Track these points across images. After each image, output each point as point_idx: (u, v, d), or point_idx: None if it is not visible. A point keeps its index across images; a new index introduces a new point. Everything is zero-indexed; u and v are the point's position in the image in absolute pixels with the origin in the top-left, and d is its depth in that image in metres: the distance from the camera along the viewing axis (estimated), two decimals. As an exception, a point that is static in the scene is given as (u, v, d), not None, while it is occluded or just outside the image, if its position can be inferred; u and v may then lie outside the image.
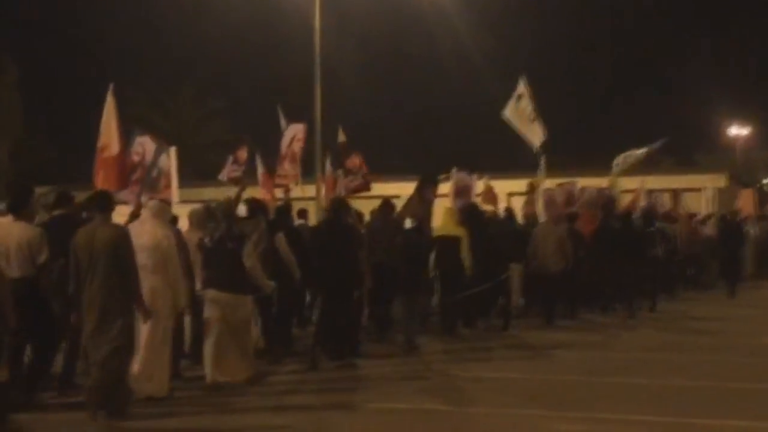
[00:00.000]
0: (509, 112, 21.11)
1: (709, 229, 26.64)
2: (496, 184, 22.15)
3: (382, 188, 21.09)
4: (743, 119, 67.24)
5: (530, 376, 12.62)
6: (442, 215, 16.64)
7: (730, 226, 25.78)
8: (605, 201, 21.59)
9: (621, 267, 18.90)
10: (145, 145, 14.53)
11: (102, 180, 13.45)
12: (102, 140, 13.76)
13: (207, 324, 11.48)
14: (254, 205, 13.17)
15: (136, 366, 10.47)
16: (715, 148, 64.66)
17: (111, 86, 14.08)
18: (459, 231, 16.19)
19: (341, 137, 19.02)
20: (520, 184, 22.65)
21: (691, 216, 26.79)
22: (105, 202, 10.33)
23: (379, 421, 10.20)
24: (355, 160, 18.36)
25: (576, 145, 48.99)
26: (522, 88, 21.14)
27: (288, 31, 38.67)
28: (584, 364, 13.61)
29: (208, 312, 11.45)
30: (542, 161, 21.17)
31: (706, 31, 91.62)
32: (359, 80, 57.49)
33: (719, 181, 35.12)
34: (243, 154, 17.57)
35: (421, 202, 16.02)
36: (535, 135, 21.07)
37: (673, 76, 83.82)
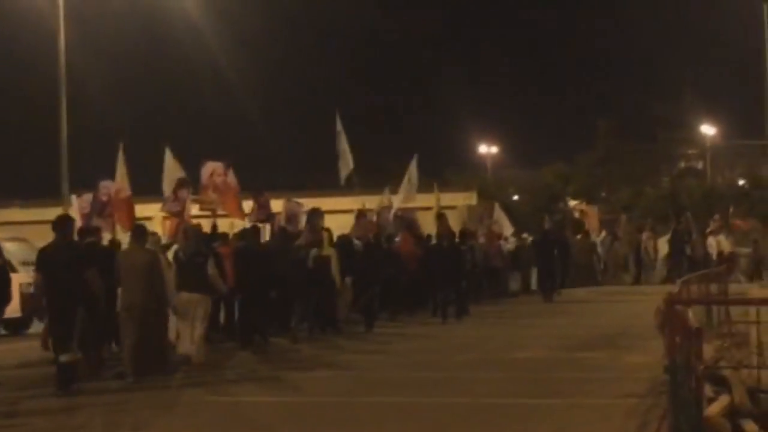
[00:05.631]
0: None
1: (510, 245, 30.26)
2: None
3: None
4: (491, 139, 69.93)
5: (288, 399, 12.54)
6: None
7: (545, 241, 28.77)
8: (409, 223, 25.15)
9: (447, 279, 22.31)
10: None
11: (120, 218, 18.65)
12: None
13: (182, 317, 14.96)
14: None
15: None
16: (465, 166, 66.68)
17: (121, 144, 18.80)
18: (330, 251, 19.68)
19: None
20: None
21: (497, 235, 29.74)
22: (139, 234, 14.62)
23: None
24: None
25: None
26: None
27: (31, 47, 37.29)
28: (341, 384, 13.63)
29: (182, 309, 14.83)
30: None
31: (455, 55, 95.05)
32: (109, 95, 56.19)
33: (470, 198, 36.21)
34: (183, 193, 19.58)
35: (312, 230, 20.06)
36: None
37: (425, 96, 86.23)
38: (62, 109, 25.21)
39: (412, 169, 26.20)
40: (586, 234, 34.44)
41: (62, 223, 13.86)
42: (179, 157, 20.34)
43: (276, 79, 73.03)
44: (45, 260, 13.46)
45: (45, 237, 19.29)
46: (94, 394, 12.87)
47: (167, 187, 20.08)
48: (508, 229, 31.86)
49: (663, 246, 33.43)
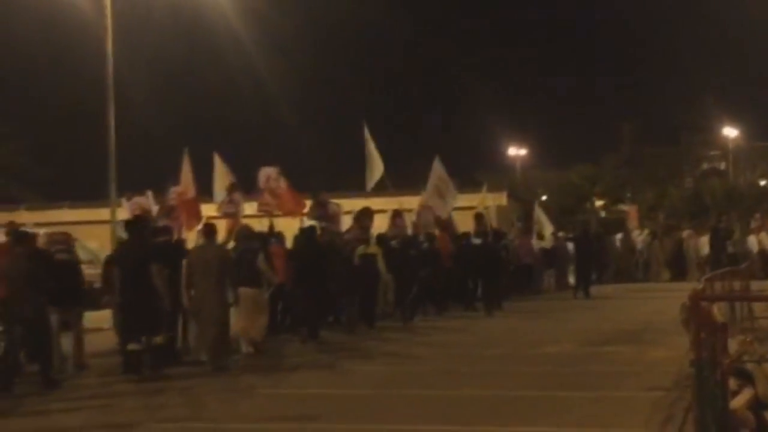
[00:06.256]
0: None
1: (546, 243, 30.75)
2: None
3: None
4: (521, 141, 70.20)
5: (327, 391, 12.87)
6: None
7: (586, 238, 29.61)
8: (446, 223, 25.41)
9: (482, 276, 23.65)
10: None
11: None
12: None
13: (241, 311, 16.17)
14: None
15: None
16: (495, 168, 66.97)
17: (186, 150, 19.83)
18: (375, 249, 20.73)
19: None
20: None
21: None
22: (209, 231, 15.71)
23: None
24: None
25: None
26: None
27: (79, 55, 37.98)
28: (379, 377, 14.03)
29: (241, 302, 15.97)
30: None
31: (486, 60, 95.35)
32: (154, 102, 56.86)
33: (500, 199, 36.67)
34: (237, 196, 20.71)
35: (361, 229, 21.42)
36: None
37: (456, 100, 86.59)
38: (110, 115, 25.64)
39: (439, 170, 26.13)
40: (627, 233, 35.01)
41: (136, 223, 15.54)
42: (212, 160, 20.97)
43: (310, 82, 73.64)
44: (121, 257, 14.94)
45: (94, 236, 20.15)
46: (164, 380, 13.85)
47: (218, 191, 20.98)
48: (548, 228, 32.44)
49: (704, 244, 33.73)
